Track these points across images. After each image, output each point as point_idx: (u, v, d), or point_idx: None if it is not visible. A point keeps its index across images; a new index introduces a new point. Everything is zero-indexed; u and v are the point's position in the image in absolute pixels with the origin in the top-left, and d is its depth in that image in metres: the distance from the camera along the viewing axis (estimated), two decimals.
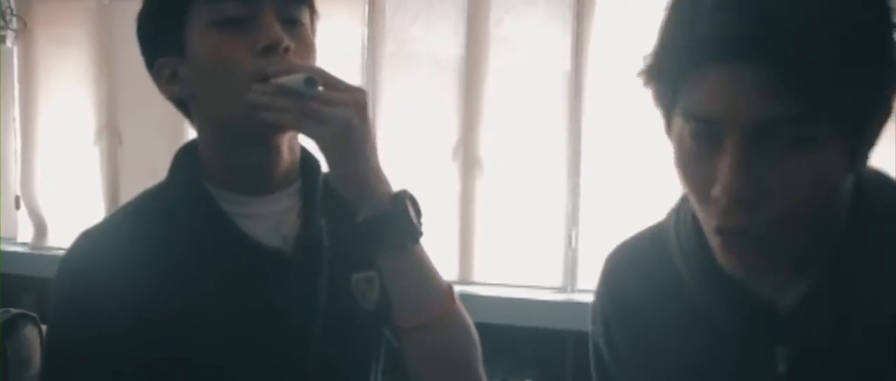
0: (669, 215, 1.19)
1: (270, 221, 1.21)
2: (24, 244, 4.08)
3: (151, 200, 1.26)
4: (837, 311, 0.98)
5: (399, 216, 1.21)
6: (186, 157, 1.26)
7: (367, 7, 3.71)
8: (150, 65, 1.20)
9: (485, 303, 3.55)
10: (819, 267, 1.00)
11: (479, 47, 3.60)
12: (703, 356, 1.07)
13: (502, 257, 3.65)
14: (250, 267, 1.19)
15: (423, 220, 1.26)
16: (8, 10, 3.81)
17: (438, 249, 3.70)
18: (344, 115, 1.10)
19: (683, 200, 1.16)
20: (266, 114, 1.09)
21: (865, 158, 0.95)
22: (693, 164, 1.00)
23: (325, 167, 1.27)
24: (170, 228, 1.19)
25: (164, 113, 1.46)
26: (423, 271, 1.26)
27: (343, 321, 1.23)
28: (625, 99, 3.45)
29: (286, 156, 1.24)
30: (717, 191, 0.93)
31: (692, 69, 0.94)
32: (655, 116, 3.57)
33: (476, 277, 3.67)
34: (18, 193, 4.17)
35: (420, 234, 1.26)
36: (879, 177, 1.05)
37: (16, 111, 4.13)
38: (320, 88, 1.12)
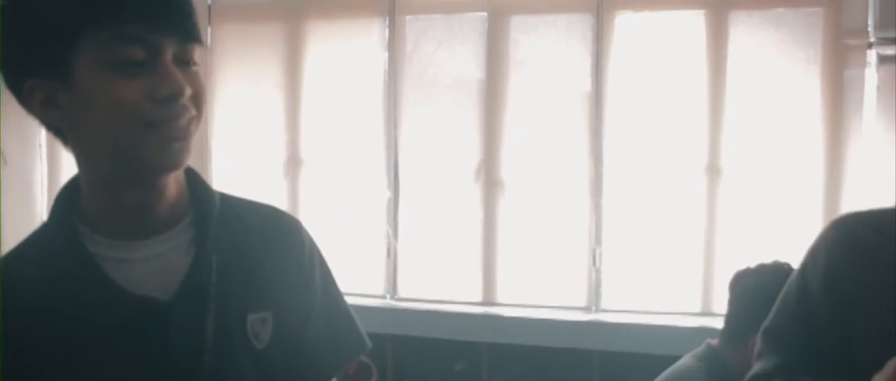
0: None
1: (148, 265, 1.14)
2: None
3: (30, 244, 1.20)
4: None
5: None
6: (65, 195, 1.18)
7: (387, 32, 3.75)
8: (17, 85, 1.08)
9: (509, 324, 3.56)
10: None
11: (499, 70, 3.62)
12: None
13: (526, 277, 3.65)
14: (123, 315, 1.11)
15: None
16: None
17: (462, 271, 3.76)
18: None
19: None
20: None
21: None
22: None
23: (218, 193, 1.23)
24: (47, 272, 1.13)
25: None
26: None
27: (233, 360, 1.17)
28: (646, 118, 3.47)
29: (172, 194, 1.16)
30: None
31: None
32: (675, 134, 3.59)
33: (500, 298, 3.67)
34: (45, 219, 4.24)
35: None
36: None
37: (42, 138, 4.21)
38: None
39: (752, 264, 2.11)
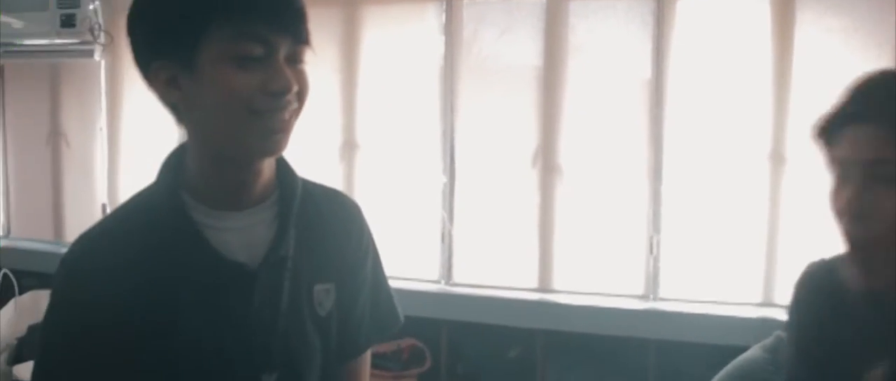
0: None
1: (241, 235, 1.29)
2: None
3: (138, 204, 1.33)
4: None
5: None
6: (173, 163, 1.32)
7: (444, 17, 3.73)
8: (146, 63, 1.22)
9: (565, 311, 3.53)
10: None
11: (557, 56, 3.58)
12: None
13: (582, 264, 3.61)
14: (217, 278, 1.26)
15: None
16: (96, 26, 3.94)
17: (518, 257, 3.74)
18: None
19: None
20: None
21: None
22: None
23: (302, 177, 1.40)
24: (150, 235, 1.26)
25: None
26: None
27: (300, 324, 1.33)
28: (707, 104, 3.41)
29: (265, 175, 1.32)
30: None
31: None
32: (738, 121, 3.51)
33: (556, 285, 3.64)
34: (105, 200, 4.32)
35: None
36: None
37: (103, 121, 4.27)
38: None
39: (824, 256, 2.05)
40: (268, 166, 1.32)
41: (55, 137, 4.55)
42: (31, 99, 4.55)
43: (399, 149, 3.86)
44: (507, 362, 3.68)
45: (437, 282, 3.80)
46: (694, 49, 3.42)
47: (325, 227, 1.39)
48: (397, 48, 3.84)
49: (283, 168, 1.38)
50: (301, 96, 1.26)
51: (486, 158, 3.74)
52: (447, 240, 3.79)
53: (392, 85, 3.84)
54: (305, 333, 1.34)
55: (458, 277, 3.79)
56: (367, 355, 1.52)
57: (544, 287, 3.66)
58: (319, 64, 4.36)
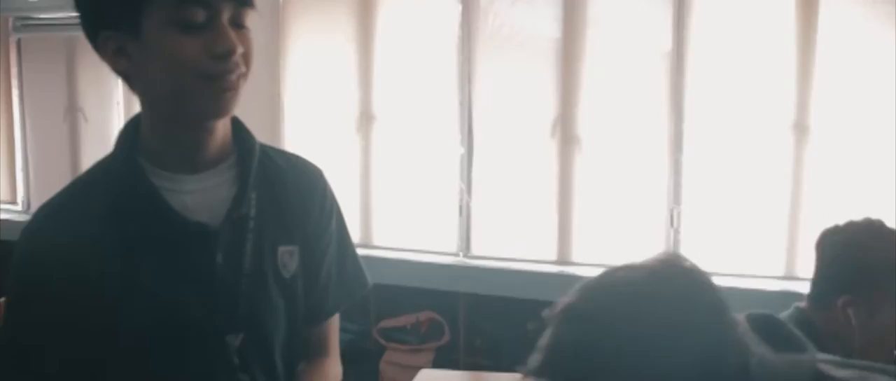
0: None
1: (199, 197, 1.31)
2: None
3: (97, 173, 1.36)
4: None
5: None
6: (128, 132, 1.34)
7: None
8: (94, 34, 1.25)
9: None
10: None
11: (576, 24, 3.53)
12: None
13: (602, 236, 3.58)
14: (177, 239, 1.28)
15: None
16: None
17: (536, 229, 3.70)
18: None
19: None
20: None
21: None
22: None
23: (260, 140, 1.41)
24: (110, 201, 1.29)
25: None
26: None
27: (264, 285, 1.35)
28: (729, 74, 3.35)
29: (220, 136, 1.32)
30: None
31: None
32: (760, 91, 3.45)
33: (575, 257, 3.61)
34: None
35: None
36: None
37: (120, 95, 4.28)
38: None
39: (841, 221, 2.01)
40: (222, 127, 1.33)
41: (73, 112, 4.55)
42: (48, 74, 4.55)
43: (416, 120, 3.83)
44: (526, 334, 3.65)
45: (455, 255, 3.78)
46: (715, 18, 3.36)
47: (288, 190, 1.41)
48: (414, 18, 3.80)
49: (240, 130, 1.39)
50: (247, 58, 1.26)
51: (503, 129, 3.71)
52: (465, 212, 3.77)
53: (408, 55, 3.81)
54: (270, 295, 1.36)
55: (476, 249, 3.77)
56: (335, 318, 1.54)
57: (563, 260, 3.63)
58: (335, 35, 4.36)
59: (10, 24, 4.75)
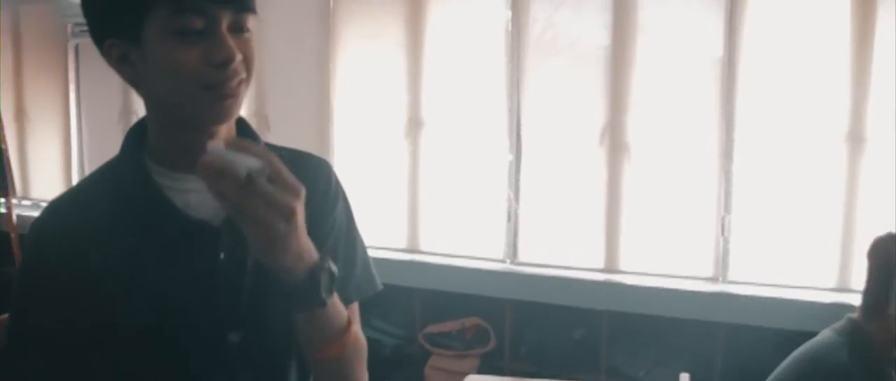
0: None
1: (203, 195, 1.26)
2: None
3: (104, 172, 1.37)
4: None
5: (311, 290, 1.26)
6: (134, 133, 1.36)
7: None
8: (99, 41, 1.27)
9: (631, 293, 3.47)
10: None
11: (626, 32, 3.50)
12: None
13: (650, 245, 3.55)
14: (180, 237, 1.29)
15: (333, 285, 1.29)
16: None
17: (584, 236, 3.68)
18: (274, 223, 1.17)
19: None
20: (209, 185, 1.16)
21: None
22: None
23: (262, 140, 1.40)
24: (114, 199, 1.31)
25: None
26: (326, 324, 1.32)
27: (267, 282, 1.30)
28: (782, 83, 3.30)
29: (223, 137, 1.31)
30: None
31: None
32: (814, 100, 3.40)
33: (623, 265, 3.58)
34: None
35: (325, 303, 1.29)
36: None
37: None
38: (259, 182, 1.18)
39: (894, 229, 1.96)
40: (226, 129, 1.33)
41: (127, 114, 4.64)
42: (103, 77, 4.63)
43: (464, 126, 3.83)
44: (572, 343, 3.65)
45: (502, 261, 3.78)
46: (768, 24, 3.31)
47: None
48: (462, 24, 3.80)
49: (244, 129, 1.40)
50: (248, 65, 1.26)
51: (552, 135, 3.69)
52: (513, 219, 3.76)
53: (457, 61, 3.81)
54: (272, 292, 1.33)
55: (523, 256, 3.76)
56: (355, 307, 1.49)
57: (610, 268, 3.60)
58: (384, 40, 4.39)
59: (69, 29, 4.87)
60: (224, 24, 1.22)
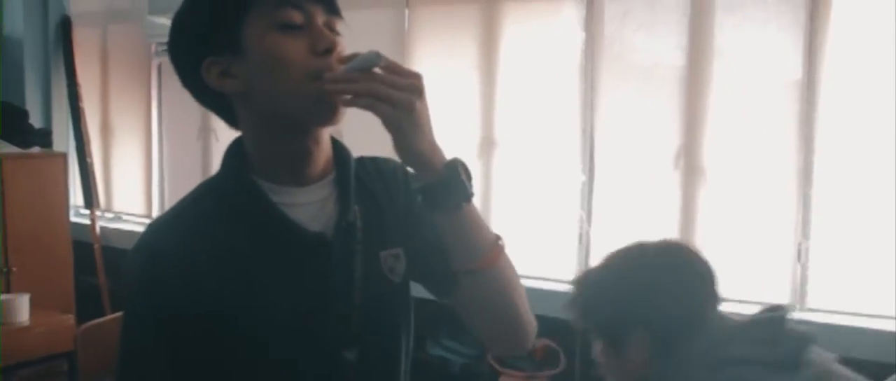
0: None
1: (311, 209, 1.32)
2: None
3: (207, 191, 1.38)
4: None
5: (452, 182, 1.29)
6: (235, 152, 1.37)
7: (585, 13, 3.67)
8: (197, 63, 1.28)
9: None
10: None
11: (702, 54, 3.46)
12: None
13: (726, 271, 3.46)
14: (297, 251, 1.30)
15: (472, 182, 1.35)
16: None
17: None
18: (408, 99, 1.22)
19: None
20: (342, 95, 1.23)
21: None
22: None
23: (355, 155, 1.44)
24: (224, 217, 1.31)
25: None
26: (473, 227, 1.35)
27: (376, 293, 1.35)
28: (864, 105, 3.23)
29: (325, 149, 1.35)
30: None
31: None
32: (894, 125, 3.30)
33: None
34: None
35: (470, 195, 1.33)
36: None
37: None
38: (382, 67, 1.24)
39: None
40: (326, 141, 1.36)
41: (205, 132, 4.75)
42: (184, 96, 4.74)
43: (537, 146, 3.83)
44: None
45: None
46: (849, 45, 3.24)
47: (380, 194, 1.42)
48: (536, 44, 3.81)
49: (338, 146, 1.42)
50: (343, 64, 1.28)
51: (626, 157, 3.67)
52: (584, 240, 3.74)
53: (531, 82, 3.82)
54: (384, 304, 1.36)
55: None
56: None
57: None
58: (458, 60, 4.41)
59: (154, 49, 5.01)
60: (320, 20, 1.26)
